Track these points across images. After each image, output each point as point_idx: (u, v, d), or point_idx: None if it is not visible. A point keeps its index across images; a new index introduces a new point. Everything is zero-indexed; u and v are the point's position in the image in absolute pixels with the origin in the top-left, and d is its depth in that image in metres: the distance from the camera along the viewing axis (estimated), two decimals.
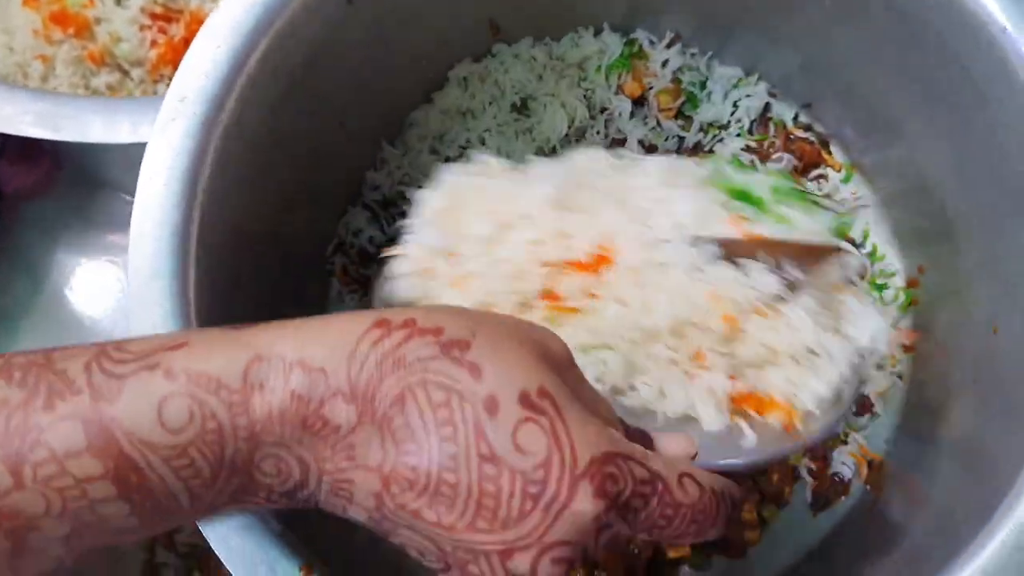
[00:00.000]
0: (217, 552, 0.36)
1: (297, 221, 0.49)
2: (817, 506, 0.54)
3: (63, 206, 0.68)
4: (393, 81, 0.55)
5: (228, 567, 0.36)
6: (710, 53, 0.59)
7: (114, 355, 0.28)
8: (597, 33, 0.59)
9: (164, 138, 0.40)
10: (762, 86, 0.59)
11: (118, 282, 0.67)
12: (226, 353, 0.29)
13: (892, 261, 0.56)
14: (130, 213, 0.40)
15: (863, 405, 0.54)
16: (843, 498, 0.54)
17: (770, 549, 0.54)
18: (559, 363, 0.32)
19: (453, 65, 0.58)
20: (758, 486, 0.54)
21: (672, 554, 0.53)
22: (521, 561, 0.28)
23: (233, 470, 0.28)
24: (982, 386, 0.46)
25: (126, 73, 0.59)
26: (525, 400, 0.29)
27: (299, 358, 0.28)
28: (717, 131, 0.58)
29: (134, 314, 0.39)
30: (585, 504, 0.28)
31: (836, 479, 0.54)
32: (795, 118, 0.59)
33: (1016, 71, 0.38)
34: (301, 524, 0.38)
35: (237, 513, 0.31)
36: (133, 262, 0.39)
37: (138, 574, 0.60)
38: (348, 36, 0.48)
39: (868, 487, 0.53)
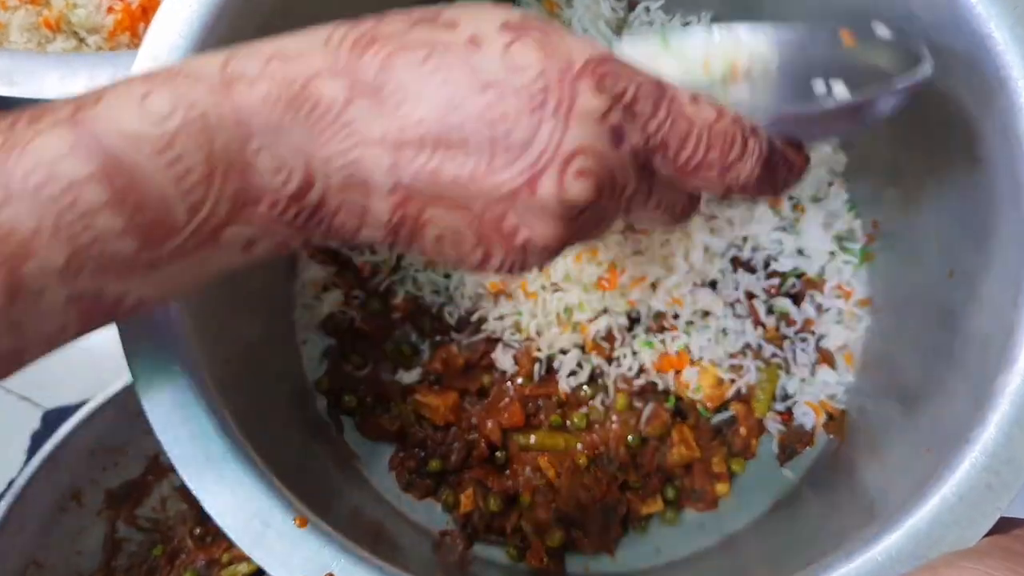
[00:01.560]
0: (206, 508, 0.35)
1: None
2: (784, 456, 0.56)
3: None
4: None
5: (219, 524, 0.35)
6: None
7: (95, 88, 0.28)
8: None
9: None
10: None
11: None
12: (201, 57, 0.29)
13: (848, 218, 0.57)
14: None
15: (824, 358, 0.56)
16: (808, 448, 0.56)
17: (740, 501, 0.55)
18: None
19: None
20: (725, 441, 0.55)
21: (645, 510, 0.54)
22: (547, 184, 0.28)
23: (228, 166, 0.27)
24: (935, 333, 0.47)
25: (82, 40, 0.58)
26: (507, 26, 0.28)
27: (275, 50, 0.28)
28: None
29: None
30: (588, 100, 0.28)
31: (801, 429, 0.56)
32: None
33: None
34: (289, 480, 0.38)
35: (243, 242, 0.29)
36: None
37: (99, 549, 0.59)
38: None
39: (831, 436, 0.55)
